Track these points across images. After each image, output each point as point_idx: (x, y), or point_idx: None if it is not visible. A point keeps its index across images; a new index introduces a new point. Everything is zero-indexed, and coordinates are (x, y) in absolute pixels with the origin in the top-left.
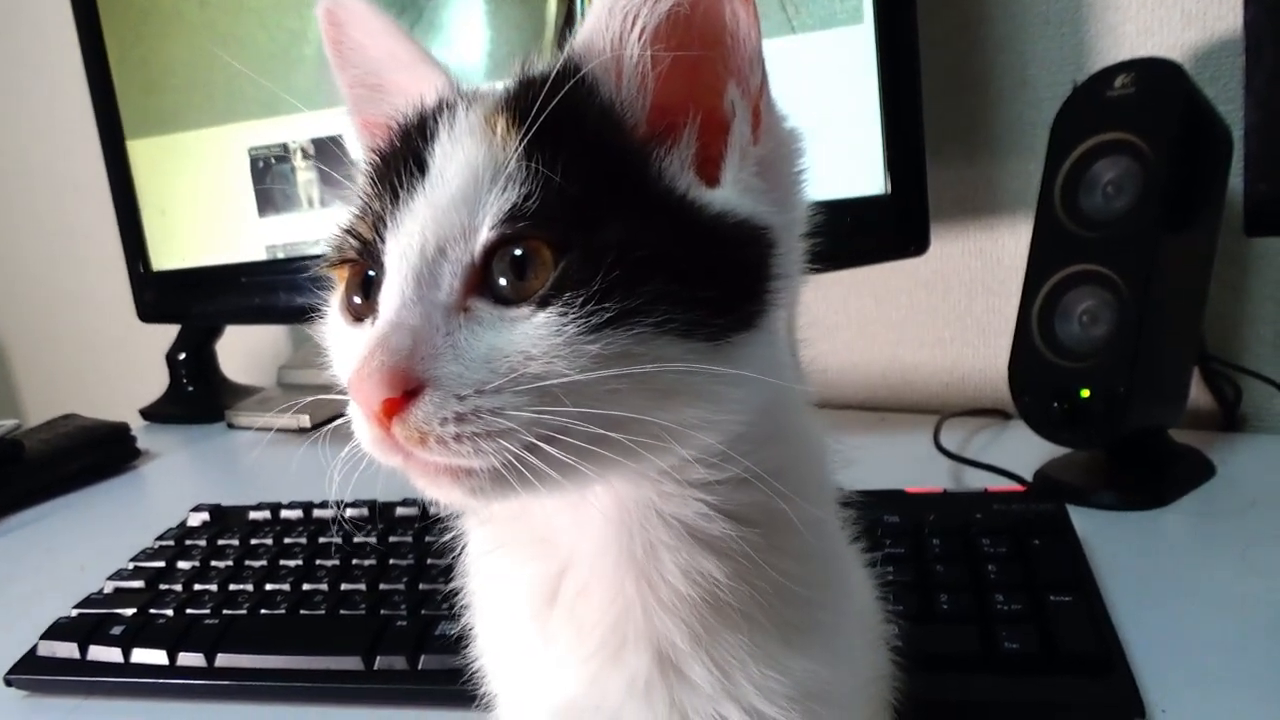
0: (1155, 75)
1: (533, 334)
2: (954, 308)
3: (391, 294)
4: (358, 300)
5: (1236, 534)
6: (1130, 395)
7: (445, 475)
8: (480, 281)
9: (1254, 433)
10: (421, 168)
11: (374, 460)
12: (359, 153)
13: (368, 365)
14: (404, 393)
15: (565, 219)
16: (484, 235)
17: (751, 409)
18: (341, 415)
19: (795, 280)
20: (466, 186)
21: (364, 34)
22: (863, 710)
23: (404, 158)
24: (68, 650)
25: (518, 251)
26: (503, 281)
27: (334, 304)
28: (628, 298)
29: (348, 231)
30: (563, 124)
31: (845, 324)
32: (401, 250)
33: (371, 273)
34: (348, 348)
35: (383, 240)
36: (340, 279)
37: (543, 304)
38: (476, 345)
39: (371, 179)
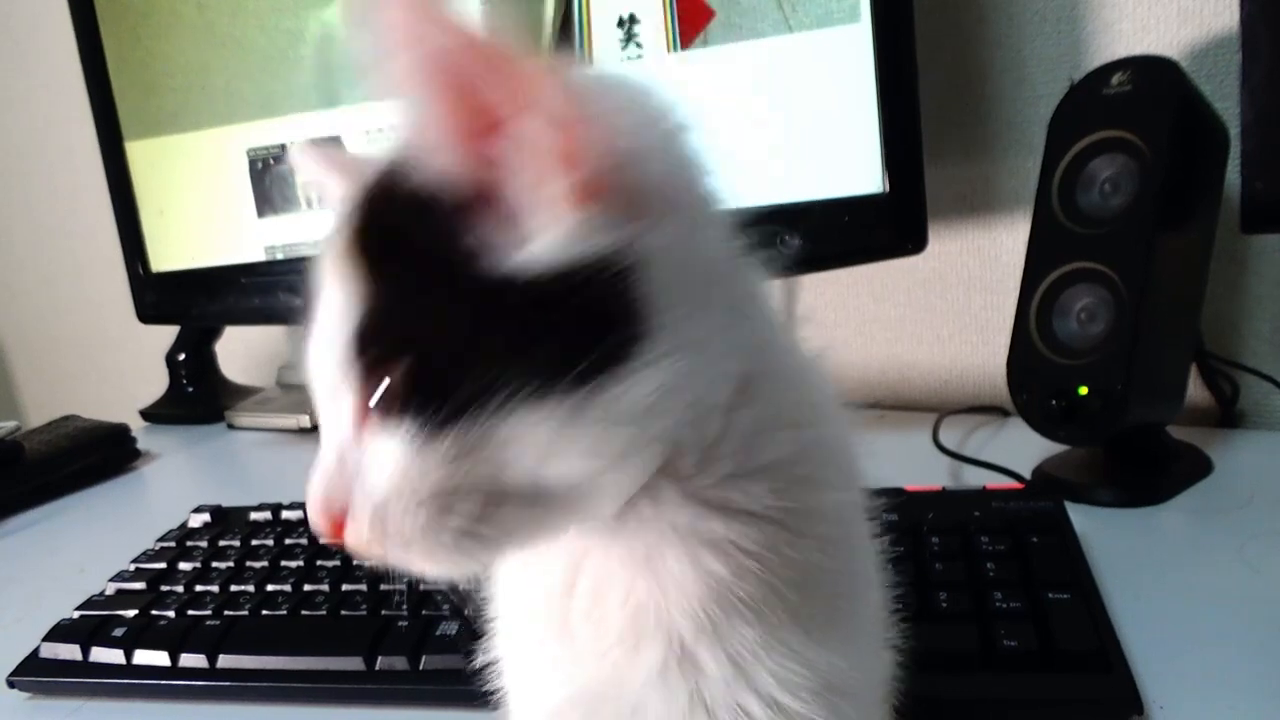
0: (1152, 73)
1: (406, 448)
2: (952, 305)
3: (322, 430)
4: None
5: (1234, 530)
6: (1128, 392)
7: (415, 567)
8: (365, 409)
9: (1251, 429)
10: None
11: None
12: None
13: (309, 498)
14: (338, 520)
15: (404, 333)
16: (348, 367)
17: (710, 405)
18: None
19: (710, 283)
20: (328, 319)
21: (320, 171)
22: (881, 707)
23: (312, 293)
24: (70, 652)
25: (377, 374)
26: (374, 405)
27: None
28: (479, 389)
29: None
30: (389, 231)
31: (843, 322)
32: (317, 390)
33: None
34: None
35: None
36: None
37: (410, 417)
38: (373, 469)
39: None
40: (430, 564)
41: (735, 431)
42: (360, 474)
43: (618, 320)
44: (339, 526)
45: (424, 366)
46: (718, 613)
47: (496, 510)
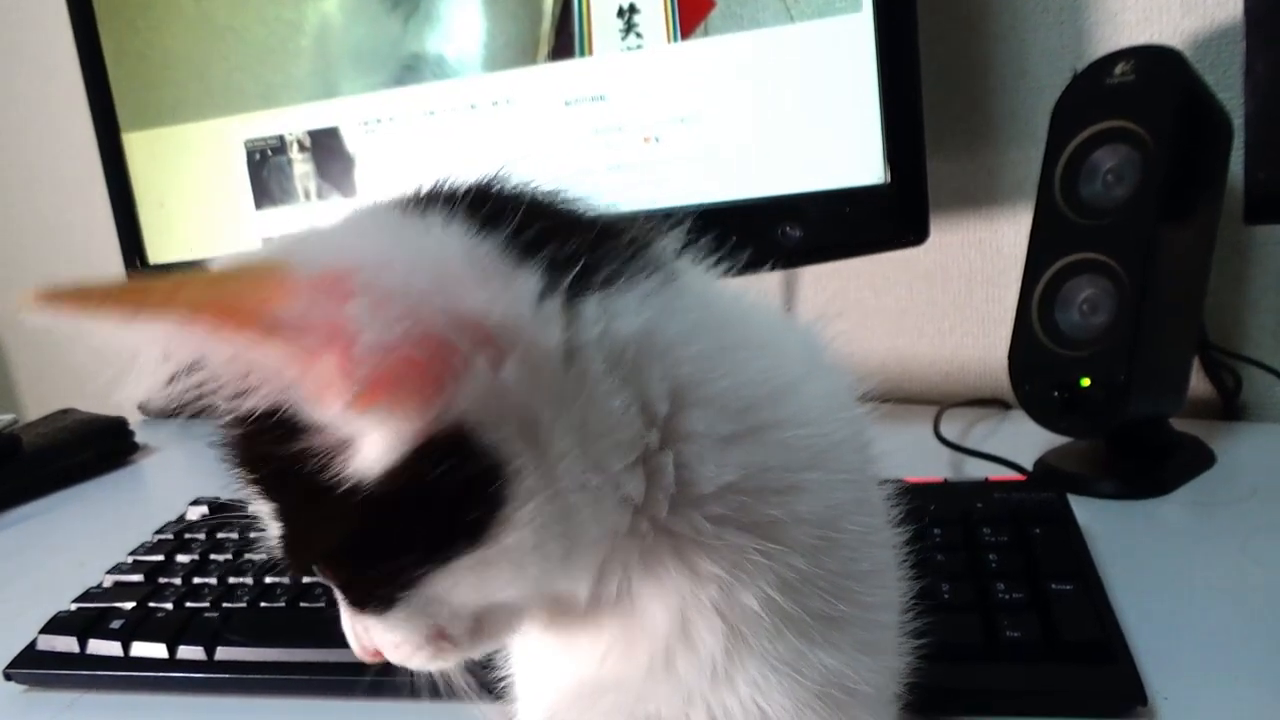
0: (1155, 63)
1: (374, 621)
2: (953, 298)
3: None
4: None
5: (1237, 522)
6: (1130, 384)
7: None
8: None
9: (1254, 421)
10: None
11: None
12: None
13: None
14: (379, 656)
15: (308, 543)
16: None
17: (627, 467)
18: None
19: (556, 382)
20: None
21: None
22: (892, 706)
23: None
24: (67, 644)
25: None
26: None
27: None
28: (389, 573)
29: None
30: (261, 458)
31: (843, 315)
32: None
33: None
34: None
35: None
36: None
37: (355, 602)
38: (373, 633)
39: None
40: (461, 659)
41: (701, 462)
42: (368, 635)
43: (476, 481)
44: (380, 655)
45: (337, 565)
46: (718, 617)
47: (482, 623)
